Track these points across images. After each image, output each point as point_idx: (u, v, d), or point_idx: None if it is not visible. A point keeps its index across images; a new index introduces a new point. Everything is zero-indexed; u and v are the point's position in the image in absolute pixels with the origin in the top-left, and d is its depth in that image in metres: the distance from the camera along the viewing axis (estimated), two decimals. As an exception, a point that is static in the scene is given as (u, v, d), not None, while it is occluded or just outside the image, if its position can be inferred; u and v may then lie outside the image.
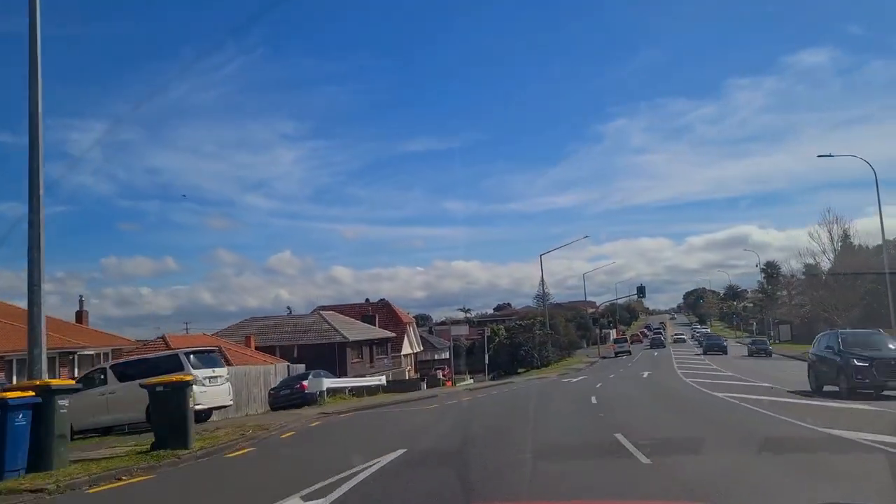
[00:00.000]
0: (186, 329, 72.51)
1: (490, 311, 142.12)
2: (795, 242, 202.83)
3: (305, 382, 25.07)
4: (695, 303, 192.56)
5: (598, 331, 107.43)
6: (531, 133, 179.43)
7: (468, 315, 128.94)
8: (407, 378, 60.57)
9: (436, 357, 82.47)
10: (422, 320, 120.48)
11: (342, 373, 51.35)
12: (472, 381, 58.89)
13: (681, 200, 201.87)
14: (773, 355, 45.54)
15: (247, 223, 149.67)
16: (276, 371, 29.88)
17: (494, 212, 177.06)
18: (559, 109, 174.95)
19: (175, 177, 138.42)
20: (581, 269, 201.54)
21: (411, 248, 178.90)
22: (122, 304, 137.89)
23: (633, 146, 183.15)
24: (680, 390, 22.45)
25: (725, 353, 50.79)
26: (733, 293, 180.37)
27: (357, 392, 29.60)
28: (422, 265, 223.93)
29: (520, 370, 63.37)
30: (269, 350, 50.72)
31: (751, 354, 46.72)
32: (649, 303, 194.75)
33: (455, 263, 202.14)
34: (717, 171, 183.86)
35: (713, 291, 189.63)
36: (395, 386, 44.11)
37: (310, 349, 53.44)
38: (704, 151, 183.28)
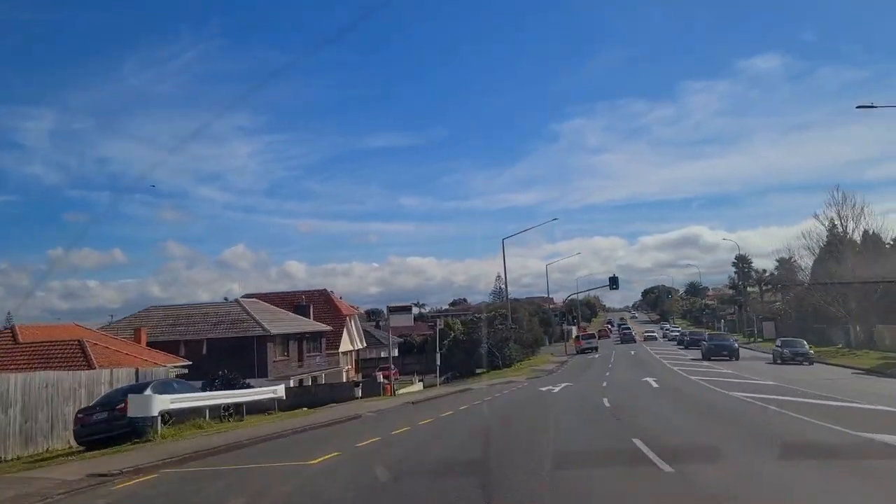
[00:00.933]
0: (110, 320, 60.55)
1: (445, 307, 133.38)
2: (745, 243, 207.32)
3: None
4: (656, 300, 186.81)
5: (562, 327, 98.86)
6: (493, 131, 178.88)
7: (422, 310, 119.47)
8: (344, 380, 50.53)
9: (381, 355, 72.23)
10: (374, 315, 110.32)
11: (262, 373, 40.90)
12: (420, 384, 49.01)
13: (635, 200, 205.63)
14: (814, 363, 34.50)
15: (200, 216, 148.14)
16: (116, 378, 19.42)
17: (453, 209, 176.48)
18: (521, 108, 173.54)
19: (127, 167, 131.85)
20: (537, 266, 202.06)
21: (367, 243, 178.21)
22: (69, 297, 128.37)
23: (592, 146, 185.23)
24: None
25: (737, 357, 40.32)
26: (695, 290, 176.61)
27: (237, 409, 19.39)
28: (377, 261, 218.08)
29: (478, 371, 53.80)
30: (170, 347, 39.77)
31: (783, 361, 34.86)
32: (604, 300, 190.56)
33: (411, 259, 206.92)
34: (672, 172, 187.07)
35: (672, 289, 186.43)
36: (320, 393, 33.98)
37: (222, 344, 42.91)
38: (661, 152, 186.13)
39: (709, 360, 39.82)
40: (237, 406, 19.12)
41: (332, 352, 55.80)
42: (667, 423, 13.12)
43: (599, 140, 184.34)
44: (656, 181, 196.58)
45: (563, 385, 27.52)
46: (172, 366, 29.86)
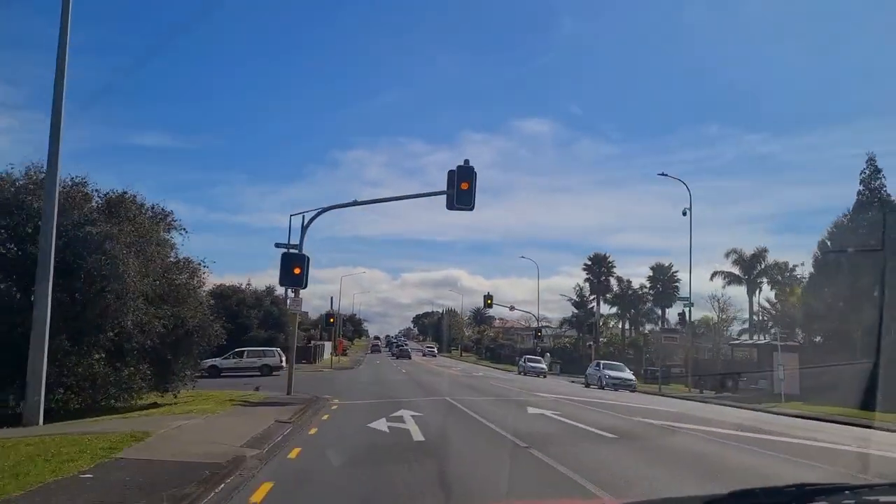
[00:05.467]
0: None
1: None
2: (497, 291, 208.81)
3: None
4: (436, 326, 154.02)
5: (314, 341, 57.25)
6: (271, 149, 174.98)
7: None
8: None
9: None
10: None
11: None
12: None
13: (403, 237, 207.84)
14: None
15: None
16: None
17: (220, 221, 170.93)
18: (304, 130, 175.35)
19: None
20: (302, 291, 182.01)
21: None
22: None
23: (371, 178, 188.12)
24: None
25: None
26: (481, 318, 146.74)
27: None
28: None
29: None
30: None
31: None
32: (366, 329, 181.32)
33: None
34: (440, 215, 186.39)
35: (454, 312, 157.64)
36: None
37: None
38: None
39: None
40: None
41: None
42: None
43: (378, 174, 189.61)
44: (425, 221, 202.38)
45: None
46: None
